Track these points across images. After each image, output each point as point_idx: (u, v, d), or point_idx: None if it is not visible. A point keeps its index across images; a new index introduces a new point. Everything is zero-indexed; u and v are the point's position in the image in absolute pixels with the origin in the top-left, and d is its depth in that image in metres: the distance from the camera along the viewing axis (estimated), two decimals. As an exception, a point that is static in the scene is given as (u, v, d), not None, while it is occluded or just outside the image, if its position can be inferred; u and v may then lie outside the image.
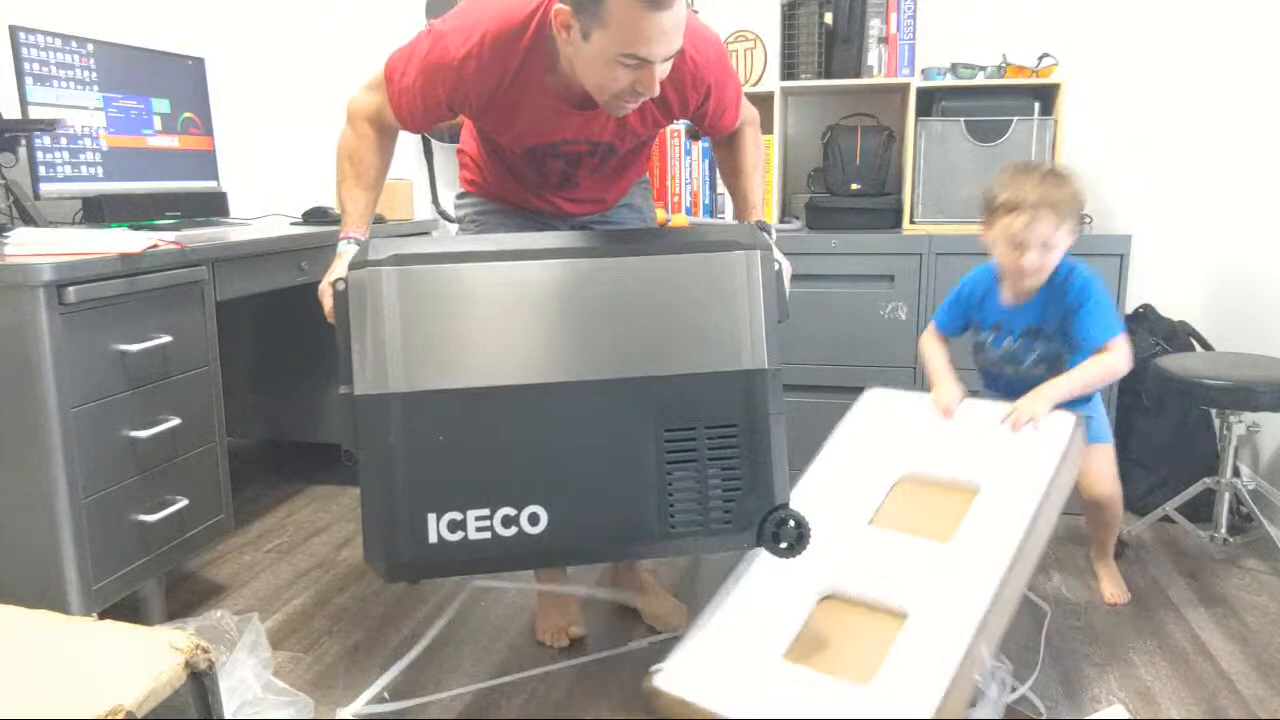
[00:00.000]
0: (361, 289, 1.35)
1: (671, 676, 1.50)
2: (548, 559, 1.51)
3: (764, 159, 1.79)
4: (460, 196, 1.86)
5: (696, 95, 1.56)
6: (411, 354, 1.35)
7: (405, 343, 1.35)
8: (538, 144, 1.60)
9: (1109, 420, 2.04)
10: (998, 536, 1.58)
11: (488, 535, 1.37)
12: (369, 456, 1.36)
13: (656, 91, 1.39)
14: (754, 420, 1.42)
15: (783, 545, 1.42)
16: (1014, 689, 1.47)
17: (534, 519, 1.38)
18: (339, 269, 1.46)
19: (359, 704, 1.63)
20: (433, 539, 1.36)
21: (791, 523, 1.41)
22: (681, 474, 1.41)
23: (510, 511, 1.38)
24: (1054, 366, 1.87)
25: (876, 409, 1.92)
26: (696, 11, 2.21)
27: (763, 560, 1.66)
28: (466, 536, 1.36)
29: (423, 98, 1.52)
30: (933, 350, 1.99)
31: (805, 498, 1.76)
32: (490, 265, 1.38)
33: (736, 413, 1.42)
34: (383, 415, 1.34)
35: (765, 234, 1.63)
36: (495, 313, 1.37)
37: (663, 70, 1.38)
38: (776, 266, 1.47)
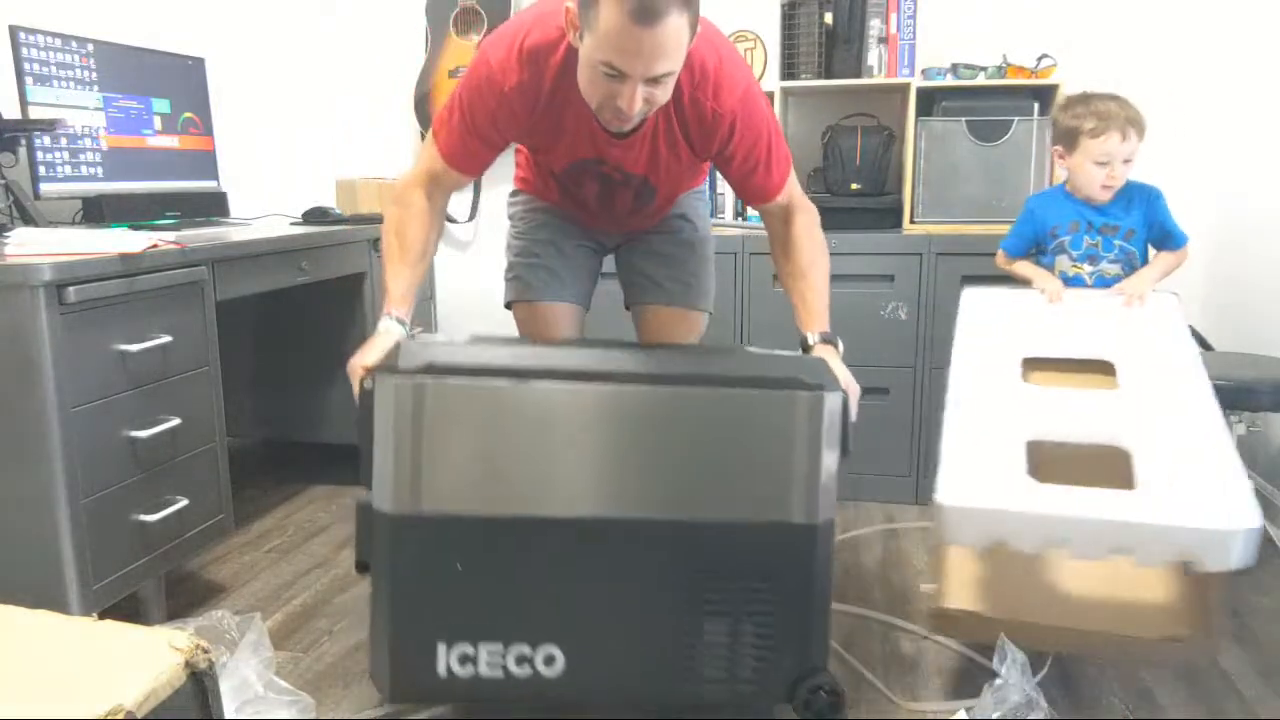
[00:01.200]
0: (387, 398, 1.26)
1: (950, 492, 1.44)
2: (563, 705, 1.39)
3: (828, 261, 1.60)
4: (513, 194, 1.87)
5: (719, 131, 1.49)
6: (434, 474, 1.26)
7: (429, 462, 1.26)
8: (576, 161, 1.57)
9: None
10: (1178, 383, 1.62)
11: (500, 673, 1.29)
12: (381, 572, 1.29)
13: (636, 108, 1.32)
14: (797, 576, 1.32)
15: (814, 715, 1.32)
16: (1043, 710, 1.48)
17: (550, 660, 1.30)
18: (375, 350, 1.38)
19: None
20: (441, 671, 1.28)
21: (825, 690, 1.31)
22: (712, 626, 1.31)
23: (525, 650, 1.30)
24: (1126, 269, 2.00)
25: (981, 307, 1.95)
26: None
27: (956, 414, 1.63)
28: (477, 672, 1.29)
29: (472, 123, 1.47)
30: (1017, 260, 2.11)
31: (959, 385, 1.71)
32: (526, 385, 1.27)
33: (778, 567, 1.31)
34: (398, 535, 1.27)
35: (832, 346, 1.52)
36: (526, 437, 1.27)
37: (651, 92, 1.32)
38: (842, 396, 1.34)
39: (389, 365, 1.28)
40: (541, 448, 1.28)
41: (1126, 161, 1.94)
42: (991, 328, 1.88)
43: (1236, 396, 2.06)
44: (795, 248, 1.60)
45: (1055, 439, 1.55)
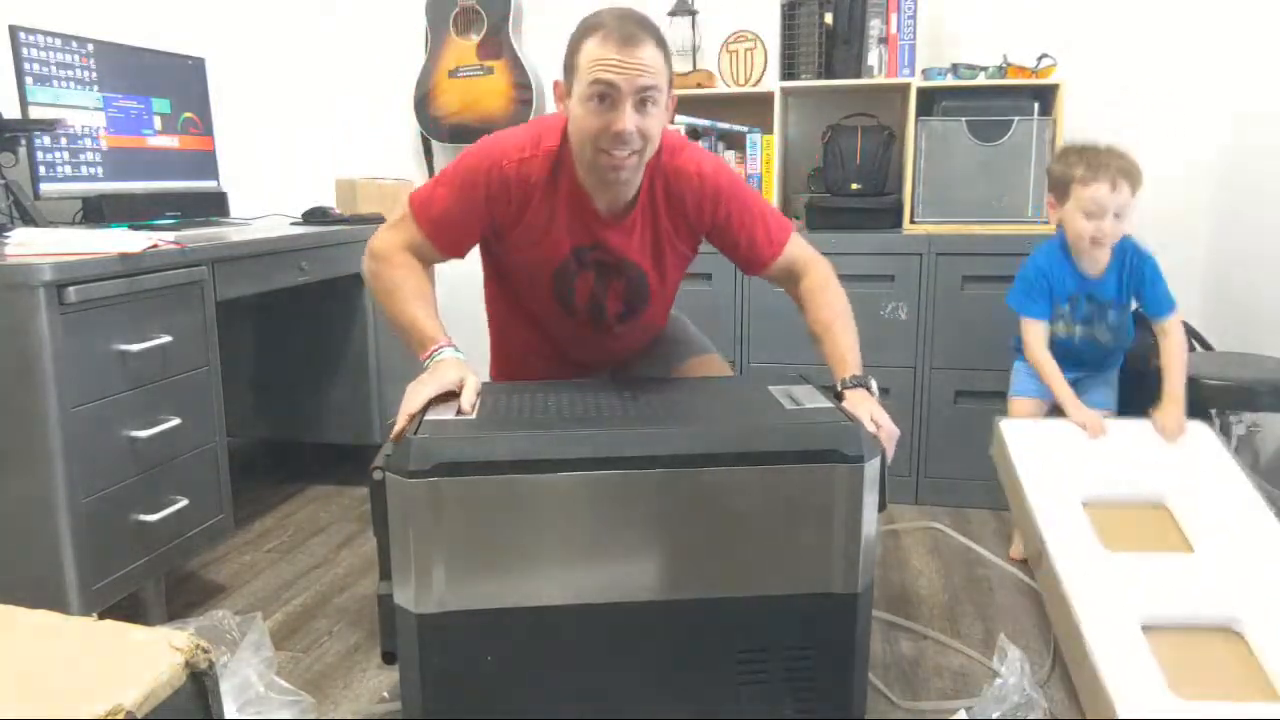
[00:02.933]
0: (400, 498, 1.22)
1: None
2: None
3: (849, 309, 1.59)
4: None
5: (706, 193, 1.56)
6: (456, 572, 1.24)
7: (450, 561, 1.23)
8: (571, 250, 1.57)
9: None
10: (1255, 539, 1.65)
11: None
12: (410, 665, 1.28)
13: (630, 126, 1.37)
14: (838, 643, 1.31)
15: None
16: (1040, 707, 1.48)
17: None
18: (436, 379, 1.39)
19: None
20: None
21: None
22: (749, 693, 1.31)
23: None
24: (1118, 334, 2.03)
25: (1028, 445, 1.89)
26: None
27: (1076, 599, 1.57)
28: None
29: (463, 199, 1.51)
30: (1050, 361, 2.01)
31: (1049, 535, 1.68)
32: (548, 477, 1.23)
33: (820, 636, 1.31)
34: (424, 633, 1.26)
35: (866, 389, 1.49)
36: (551, 528, 1.25)
37: (641, 122, 1.39)
38: (880, 455, 1.31)
39: (397, 464, 1.23)
40: (568, 537, 1.25)
41: (1118, 216, 1.89)
42: (1045, 469, 1.83)
43: (1237, 396, 2.07)
44: (814, 306, 1.60)
45: (1166, 621, 1.53)
